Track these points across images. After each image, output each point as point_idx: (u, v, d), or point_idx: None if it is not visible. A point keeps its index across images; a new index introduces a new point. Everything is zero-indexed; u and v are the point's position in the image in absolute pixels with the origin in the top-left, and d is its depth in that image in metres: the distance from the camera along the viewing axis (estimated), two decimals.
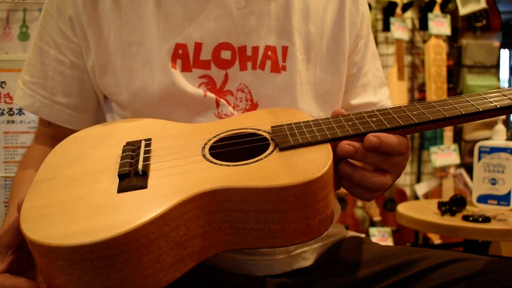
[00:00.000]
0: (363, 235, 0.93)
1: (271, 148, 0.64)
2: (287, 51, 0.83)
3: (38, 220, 0.55)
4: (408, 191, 2.80)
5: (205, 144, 0.67)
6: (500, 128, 1.59)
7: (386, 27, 2.58)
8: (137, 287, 0.53)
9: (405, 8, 2.58)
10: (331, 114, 0.69)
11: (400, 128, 0.65)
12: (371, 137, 0.63)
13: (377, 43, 2.74)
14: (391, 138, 0.63)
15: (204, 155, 0.65)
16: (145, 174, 0.61)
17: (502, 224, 1.35)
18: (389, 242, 2.43)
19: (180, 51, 0.79)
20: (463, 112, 0.65)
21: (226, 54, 0.81)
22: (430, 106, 0.67)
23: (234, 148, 0.68)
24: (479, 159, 1.59)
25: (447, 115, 0.65)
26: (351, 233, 0.91)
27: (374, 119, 0.66)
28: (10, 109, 1.68)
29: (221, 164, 0.62)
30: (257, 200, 0.57)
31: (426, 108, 0.67)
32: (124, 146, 0.68)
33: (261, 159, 0.62)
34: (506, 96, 0.66)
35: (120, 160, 0.64)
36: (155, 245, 0.53)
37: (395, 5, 2.55)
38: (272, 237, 0.59)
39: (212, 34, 0.80)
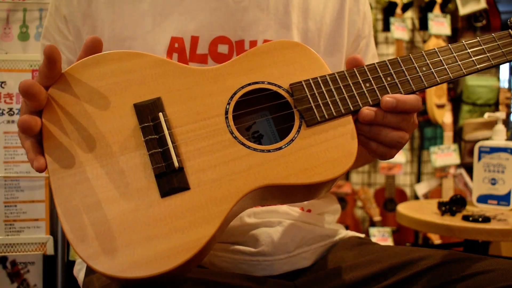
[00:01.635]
0: (363, 235, 0.93)
1: (297, 122, 0.66)
2: None
3: (94, 245, 0.55)
4: (408, 191, 2.79)
5: (226, 112, 0.66)
6: (500, 128, 1.59)
7: (386, 27, 2.58)
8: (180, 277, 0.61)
9: (405, 8, 2.58)
10: (347, 64, 0.71)
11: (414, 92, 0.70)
12: (387, 98, 0.67)
13: (377, 43, 2.74)
14: (406, 97, 0.67)
15: (231, 131, 0.64)
16: (181, 169, 0.60)
17: (502, 224, 1.35)
18: (389, 242, 2.43)
19: (176, 45, 0.79)
20: (465, 72, 0.71)
21: (223, 48, 0.81)
22: (439, 65, 0.71)
23: (256, 109, 0.70)
24: (479, 159, 1.59)
25: (452, 77, 0.70)
26: (351, 233, 0.91)
27: (389, 79, 0.69)
28: (10, 109, 1.68)
29: (254, 149, 0.63)
30: (293, 189, 0.64)
31: (436, 67, 0.70)
32: (139, 118, 0.62)
33: (292, 139, 0.65)
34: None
35: (147, 149, 0.61)
36: (210, 247, 0.59)
37: (395, 5, 2.55)
38: (291, 202, 0.71)
39: (209, 28, 0.80)
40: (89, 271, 0.80)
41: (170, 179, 0.59)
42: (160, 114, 0.63)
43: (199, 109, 0.65)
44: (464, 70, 0.71)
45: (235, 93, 0.67)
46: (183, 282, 0.66)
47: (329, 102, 0.67)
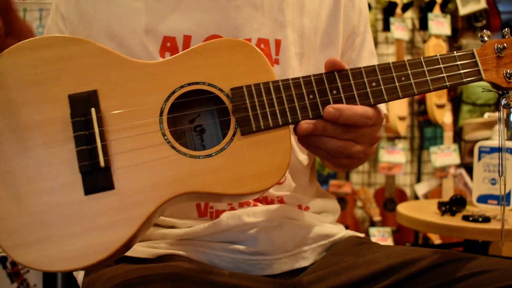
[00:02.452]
0: (362, 235, 0.93)
1: (232, 130, 0.65)
2: (280, 44, 0.82)
3: (14, 237, 0.57)
4: (408, 191, 2.79)
5: (162, 110, 0.64)
6: (500, 128, 1.58)
7: (386, 27, 2.58)
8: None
9: (405, 8, 2.58)
10: (326, 65, 0.68)
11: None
12: (330, 109, 0.65)
13: (377, 43, 2.74)
14: (352, 110, 0.65)
15: (164, 135, 0.63)
16: (108, 168, 0.60)
17: None
18: (389, 242, 2.43)
19: (168, 44, 0.80)
20: (416, 92, 0.68)
21: None
22: (390, 81, 0.68)
23: (194, 104, 0.68)
24: (479, 159, 1.59)
25: (401, 96, 0.67)
26: (351, 233, 0.91)
27: (334, 92, 0.67)
28: None
29: (184, 154, 0.63)
30: (219, 198, 0.64)
31: (386, 81, 0.68)
32: (72, 111, 0.61)
33: (224, 148, 0.64)
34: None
35: (75, 144, 0.60)
36: (128, 246, 0.61)
37: (395, 5, 2.55)
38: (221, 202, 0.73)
39: (202, 27, 0.80)
40: (89, 271, 0.80)
41: (95, 177, 0.59)
42: (93, 109, 0.62)
43: (134, 107, 0.64)
44: (415, 90, 0.68)
45: (173, 93, 0.65)
46: (182, 281, 0.66)
47: (268, 113, 0.65)
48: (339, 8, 0.88)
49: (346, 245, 0.86)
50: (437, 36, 2.50)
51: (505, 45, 0.71)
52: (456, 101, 2.74)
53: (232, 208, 0.82)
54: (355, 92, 0.67)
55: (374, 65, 0.68)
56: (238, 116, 0.65)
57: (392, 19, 2.48)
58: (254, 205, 0.82)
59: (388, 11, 2.57)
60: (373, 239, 2.31)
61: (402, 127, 2.55)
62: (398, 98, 0.68)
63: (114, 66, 0.64)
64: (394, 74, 0.68)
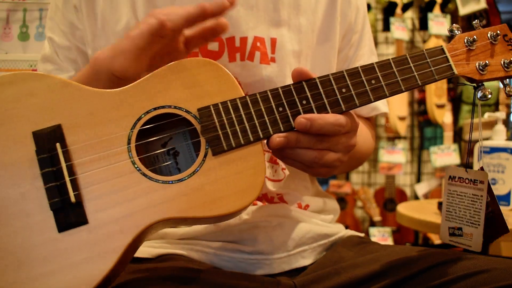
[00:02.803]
0: (362, 234, 0.93)
1: (203, 151, 0.64)
2: (276, 43, 0.83)
3: None
4: (408, 191, 2.80)
5: (129, 138, 0.63)
6: (500, 128, 1.59)
7: (386, 27, 2.58)
8: None
9: (405, 8, 2.58)
10: (292, 75, 0.67)
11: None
12: (301, 119, 0.64)
13: (377, 43, 2.74)
14: (324, 119, 0.64)
15: (133, 162, 0.62)
16: (79, 203, 0.60)
17: None
18: (389, 242, 2.43)
19: None
20: (388, 94, 0.67)
21: (213, 45, 0.81)
22: (360, 85, 0.67)
23: (160, 136, 0.68)
24: (479, 159, 1.59)
25: (373, 100, 0.67)
26: (351, 232, 0.91)
27: (304, 102, 0.66)
28: None
29: (156, 180, 0.62)
30: (196, 221, 0.63)
31: (355, 86, 0.67)
32: (37, 148, 0.61)
33: (195, 171, 0.63)
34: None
35: (43, 182, 0.59)
36: (116, 274, 0.60)
37: (395, 5, 2.55)
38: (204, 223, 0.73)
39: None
40: None
41: (67, 213, 0.59)
42: (58, 144, 0.61)
43: (101, 138, 0.63)
44: (387, 92, 0.67)
45: (138, 119, 0.64)
46: (181, 280, 0.66)
47: (238, 130, 0.64)
48: (336, 6, 0.88)
49: (346, 244, 0.86)
50: (437, 36, 2.51)
51: (475, 37, 0.70)
52: (456, 101, 2.74)
53: None
54: (325, 100, 0.66)
55: (342, 71, 0.67)
56: (208, 137, 0.64)
57: (392, 19, 2.48)
58: (254, 204, 0.82)
59: (388, 11, 2.57)
60: (373, 239, 2.31)
61: (402, 127, 2.55)
62: (370, 101, 0.67)
63: (76, 98, 0.64)
64: (363, 78, 0.67)
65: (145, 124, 0.64)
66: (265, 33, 0.82)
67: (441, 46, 0.70)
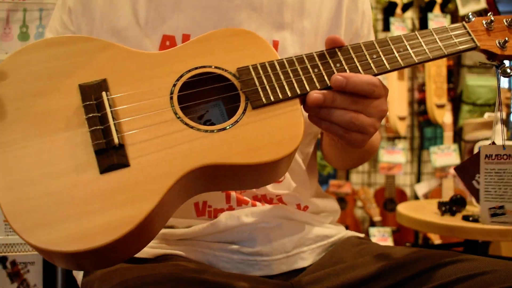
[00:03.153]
0: (362, 235, 0.92)
1: (242, 103, 0.66)
2: (278, 46, 0.83)
3: (29, 215, 0.55)
4: (408, 191, 2.79)
5: (172, 90, 0.65)
6: (500, 128, 1.58)
7: (386, 27, 2.58)
8: (133, 252, 0.60)
9: (405, 8, 2.58)
10: (326, 43, 0.70)
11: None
12: (337, 76, 0.65)
13: None
14: (359, 77, 0.65)
15: (175, 113, 0.64)
16: (122, 146, 0.60)
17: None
18: (389, 242, 2.43)
19: (168, 43, 0.80)
20: (417, 61, 0.70)
21: None
22: (389, 52, 0.70)
23: (202, 92, 0.68)
24: None
25: (402, 64, 0.70)
26: (350, 233, 0.91)
27: (338, 64, 0.69)
28: None
29: (198, 129, 0.63)
30: (239, 171, 0.63)
31: (385, 53, 0.70)
32: (83, 97, 0.63)
33: (236, 121, 0.64)
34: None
35: (88, 126, 0.61)
36: (152, 225, 0.59)
37: (395, 5, 2.55)
38: (242, 186, 0.69)
39: (200, 26, 0.80)
40: (88, 271, 0.80)
41: (110, 155, 0.59)
42: (103, 93, 0.63)
43: (144, 90, 0.65)
44: (415, 59, 0.70)
45: (181, 76, 0.67)
46: (180, 281, 0.66)
47: (276, 86, 0.67)
48: (341, 11, 0.88)
49: (345, 245, 0.86)
50: None
51: (493, 19, 0.74)
52: (456, 101, 2.74)
53: (231, 208, 0.82)
54: (357, 63, 0.69)
55: (371, 40, 0.71)
56: (247, 90, 0.66)
57: (392, 19, 2.48)
58: (253, 205, 0.82)
59: (388, 11, 2.57)
60: (373, 239, 2.31)
61: (402, 127, 2.55)
62: (400, 66, 0.70)
63: (122, 58, 0.67)
64: (392, 46, 0.71)
65: (184, 84, 0.66)
66: (268, 36, 0.82)
67: (462, 23, 0.74)
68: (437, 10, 2.56)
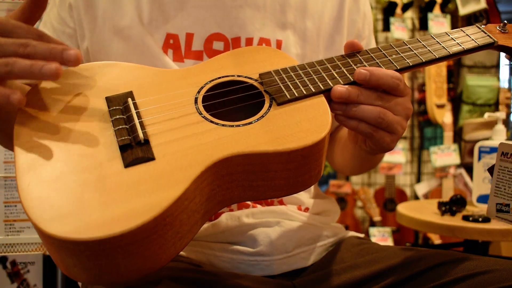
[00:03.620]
0: (362, 235, 0.93)
1: (267, 102, 0.66)
2: (281, 45, 0.83)
3: (48, 207, 0.53)
4: (408, 191, 2.79)
5: (196, 96, 0.66)
6: (500, 128, 1.59)
7: (386, 27, 2.58)
8: (161, 259, 0.56)
9: (405, 8, 2.58)
10: (345, 48, 0.71)
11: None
12: (360, 70, 0.65)
13: (377, 43, 2.73)
14: (382, 71, 0.65)
15: (200, 113, 0.64)
16: (147, 142, 0.60)
17: (502, 224, 1.35)
18: (389, 242, 2.43)
19: (171, 41, 0.80)
20: (437, 56, 0.71)
21: (218, 45, 0.81)
22: (408, 51, 0.72)
23: (226, 99, 0.69)
24: (479, 159, 1.59)
25: (423, 60, 0.70)
26: (351, 233, 0.91)
27: (358, 65, 0.69)
28: None
29: (223, 125, 0.62)
30: (267, 162, 0.60)
31: (404, 52, 0.71)
32: (109, 105, 0.64)
33: (262, 116, 0.64)
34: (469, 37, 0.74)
35: (113, 126, 0.61)
36: (177, 219, 0.55)
37: (395, 5, 2.55)
38: (275, 191, 0.64)
39: (204, 24, 0.81)
40: None
41: (135, 150, 0.58)
42: (129, 99, 0.64)
43: (169, 99, 0.66)
44: (435, 54, 0.71)
45: (206, 84, 0.68)
46: (181, 281, 0.66)
47: (298, 83, 0.67)
48: (344, 12, 0.88)
49: (345, 245, 0.86)
50: None
51: (506, 22, 0.76)
52: (456, 101, 2.74)
53: (231, 211, 0.82)
54: (378, 61, 0.70)
55: (389, 43, 0.72)
56: (271, 89, 0.67)
57: (392, 19, 2.48)
58: (253, 206, 0.82)
59: (388, 11, 2.57)
60: (373, 239, 2.31)
61: None
62: (421, 63, 0.70)
63: (146, 74, 0.69)
64: (409, 46, 0.72)
65: (208, 98, 0.67)
66: (271, 35, 0.82)
67: (475, 24, 0.76)
68: (437, 10, 2.56)
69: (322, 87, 0.66)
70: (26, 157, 0.58)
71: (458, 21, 2.71)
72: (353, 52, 0.71)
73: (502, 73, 2.94)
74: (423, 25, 2.70)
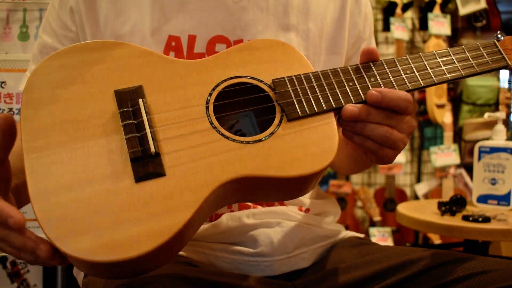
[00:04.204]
0: (362, 235, 0.93)
1: (278, 116, 0.66)
2: None
3: (62, 222, 0.54)
4: (408, 191, 2.79)
5: (207, 101, 0.66)
6: (500, 128, 1.59)
7: (386, 27, 2.58)
8: (164, 262, 0.59)
9: (405, 8, 2.58)
10: (362, 55, 0.71)
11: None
12: (373, 92, 0.66)
13: (377, 43, 2.74)
14: (394, 93, 0.66)
15: (211, 122, 0.64)
16: (158, 155, 0.60)
17: (502, 224, 1.35)
18: (389, 242, 2.43)
19: (173, 43, 0.80)
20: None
21: (221, 47, 0.81)
22: (423, 68, 0.71)
23: (236, 100, 0.69)
24: (479, 159, 1.59)
25: (436, 81, 0.70)
26: (351, 234, 0.91)
27: (372, 79, 0.69)
28: (10, 109, 1.68)
29: (233, 140, 0.63)
30: (270, 183, 0.62)
31: (419, 70, 0.71)
32: (118, 104, 0.62)
33: (272, 133, 0.64)
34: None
35: (124, 133, 0.60)
36: (186, 235, 0.58)
37: (395, 5, 2.55)
38: (272, 199, 0.71)
39: (206, 27, 0.80)
40: None
41: (146, 164, 0.58)
42: (140, 100, 0.63)
43: (180, 98, 0.65)
44: (448, 76, 0.71)
45: (217, 85, 0.67)
46: (181, 281, 0.66)
47: (311, 98, 0.67)
48: (345, 13, 0.88)
49: (345, 246, 0.86)
50: (437, 36, 2.50)
51: None
52: (456, 101, 2.74)
53: (232, 212, 0.82)
54: (392, 79, 0.70)
55: (406, 56, 0.72)
56: (283, 102, 0.67)
57: (392, 19, 2.48)
58: (254, 207, 0.82)
59: (388, 11, 2.57)
60: (373, 239, 2.31)
61: None
62: (433, 83, 0.71)
63: (158, 65, 0.67)
64: (425, 62, 0.71)
65: (220, 96, 0.66)
66: (274, 37, 0.82)
67: (493, 41, 0.75)
68: (437, 10, 2.56)
69: (334, 105, 0.67)
70: (35, 162, 0.57)
71: (458, 21, 2.71)
72: (368, 62, 0.70)
73: (502, 73, 2.94)
74: (423, 25, 2.70)
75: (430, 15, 2.47)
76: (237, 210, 0.81)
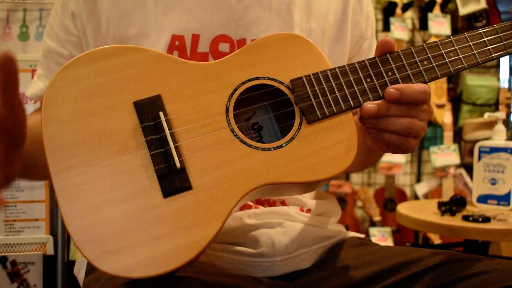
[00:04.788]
0: (362, 236, 0.93)
1: (297, 118, 0.67)
2: None
3: (97, 242, 0.56)
4: (408, 191, 2.79)
5: (227, 109, 0.66)
6: (500, 128, 1.59)
7: (386, 27, 2.58)
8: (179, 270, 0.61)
9: (405, 8, 2.58)
10: (378, 47, 0.70)
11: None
12: (391, 90, 0.66)
13: None
14: (412, 88, 0.67)
15: (233, 131, 0.65)
16: (183, 169, 0.61)
17: (502, 224, 1.35)
18: (389, 242, 2.43)
19: (177, 43, 0.80)
20: (466, 66, 0.71)
21: (224, 47, 0.81)
22: (440, 58, 0.71)
23: (255, 106, 0.70)
24: (479, 159, 1.59)
25: (453, 71, 0.70)
26: (351, 234, 0.91)
27: (390, 73, 0.69)
28: None
29: (256, 147, 0.64)
30: (289, 186, 0.65)
31: (437, 61, 0.70)
32: (140, 118, 0.62)
33: (293, 137, 0.65)
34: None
35: (148, 149, 0.61)
36: (213, 241, 0.61)
37: (395, 5, 2.55)
38: (294, 195, 0.74)
39: (210, 26, 0.80)
40: (89, 270, 0.80)
41: (172, 179, 0.60)
42: (161, 113, 0.63)
43: (199, 107, 0.65)
44: (465, 64, 0.71)
45: (235, 90, 0.67)
46: (182, 281, 0.66)
47: (330, 99, 0.68)
48: (347, 13, 0.88)
49: (346, 246, 0.86)
50: (437, 36, 2.50)
51: None
52: (456, 101, 2.74)
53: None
54: (409, 72, 0.70)
55: (422, 45, 0.71)
56: (302, 105, 0.67)
57: (392, 19, 2.48)
58: (256, 207, 0.82)
59: (388, 11, 2.57)
60: (373, 239, 2.31)
61: None
62: (450, 73, 0.71)
63: (174, 70, 0.66)
64: (443, 51, 0.71)
65: (238, 99, 0.67)
66: None
67: (510, 22, 0.74)
68: (437, 10, 2.56)
69: (353, 105, 0.68)
70: (64, 184, 0.58)
71: (458, 21, 2.71)
72: (385, 54, 0.70)
73: (502, 73, 2.94)
74: (423, 25, 2.70)
75: (430, 15, 2.47)
76: (239, 210, 0.81)
